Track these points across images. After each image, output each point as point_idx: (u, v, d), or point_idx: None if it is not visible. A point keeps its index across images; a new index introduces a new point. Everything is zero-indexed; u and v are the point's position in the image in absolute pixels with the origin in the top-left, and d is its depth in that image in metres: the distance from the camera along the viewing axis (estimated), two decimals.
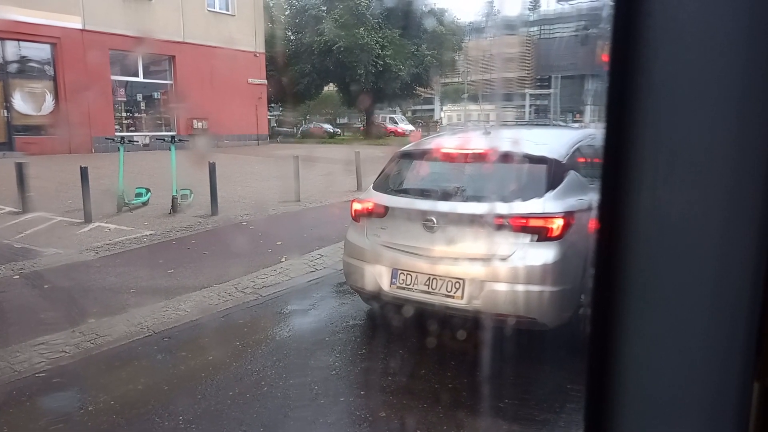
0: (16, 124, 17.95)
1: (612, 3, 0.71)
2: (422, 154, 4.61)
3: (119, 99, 20.71)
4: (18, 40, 17.95)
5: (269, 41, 27.72)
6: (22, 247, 7.08)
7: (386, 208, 4.10)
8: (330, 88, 38.66)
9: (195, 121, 22.01)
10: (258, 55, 25.06)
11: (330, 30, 31.03)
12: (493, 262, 3.62)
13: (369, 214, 4.21)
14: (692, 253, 0.71)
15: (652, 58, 0.69)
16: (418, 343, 4.12)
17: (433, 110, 56.36)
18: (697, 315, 0.72)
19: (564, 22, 52.16)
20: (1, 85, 17.62)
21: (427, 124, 43.45)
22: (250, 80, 24.35)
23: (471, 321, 3.71)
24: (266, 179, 13.93)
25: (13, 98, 17.78)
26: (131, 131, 20.77)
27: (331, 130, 37.40)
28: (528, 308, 3.59)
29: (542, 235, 3.57)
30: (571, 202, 3.71)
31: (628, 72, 0.70)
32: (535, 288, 3.56)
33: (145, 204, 9.60)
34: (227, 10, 23.98)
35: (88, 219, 8.40)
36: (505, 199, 3.75)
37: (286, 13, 36.13)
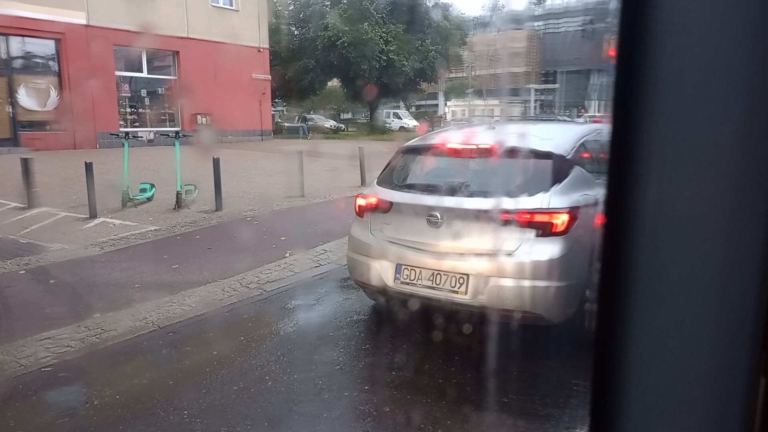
0: (21, 119, 18.03)
1: None
2: (426, 149, 4.59)
3: (123, 94, 20.76)
4: (22, 35, 18.01)
5: (273, 36, 27.71)
6: (27, 243, 7.11)
7: (390, 204, 4.10)
8: (334, 83, 38.61)
9: (199, 117, 22.06)
10: (262, 50, 25.06)
11: (334, 25, 30.98)
12: (497, 258, 3.61)
13: (373, 209, 4.20)
14: (698, 248, 0.70)
15: (659, 52, 0.68)
16: (422, 338, 4.12)
17: (437, 105, 56.22)
18: (703, 310, 0.71)
19: (570, 16, 51.95)
20: (5, 81, 17.68)
21: (431, 118, 43.33)
22: (254, 75, 24.35)
23: (476, 316, 3.70)
24: (270, 174, 13.94)
25: (17, 94, 17.85)
26: (135, 127, 20.83)
27: (335, 126, 37.37)
28: (533, 303, 3.58)
29: (547, 230, 3.56)
30: (576, 198, 3.70)
31: (634, 65, 0.69)
32: (540, 283, 3.55)
33: (149, 199, 9.63)
34: (231, 5, 23.98)
35: (92, 214, 8.43)
36: (509, 195, 3.74)
37: (290, 8, 36.09)
